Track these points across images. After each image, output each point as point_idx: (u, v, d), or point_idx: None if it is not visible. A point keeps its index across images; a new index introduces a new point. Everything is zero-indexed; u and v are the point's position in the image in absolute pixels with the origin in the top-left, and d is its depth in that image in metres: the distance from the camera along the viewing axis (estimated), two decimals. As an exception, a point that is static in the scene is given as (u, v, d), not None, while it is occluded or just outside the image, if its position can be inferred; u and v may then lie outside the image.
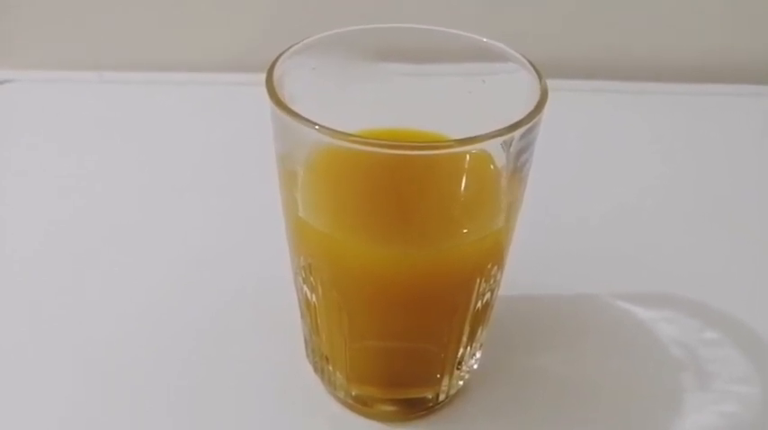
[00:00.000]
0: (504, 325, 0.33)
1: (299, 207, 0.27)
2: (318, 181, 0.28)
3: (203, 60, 0.57)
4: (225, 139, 0.49)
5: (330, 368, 0.30)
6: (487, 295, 0.29)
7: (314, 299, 0.29)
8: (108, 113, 0.52)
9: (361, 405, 0.31)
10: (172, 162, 0.47)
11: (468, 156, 0.26)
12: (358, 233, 0.27)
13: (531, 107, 0.25)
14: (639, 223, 0.43)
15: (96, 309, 0.36)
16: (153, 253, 0.39)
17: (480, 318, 0.30)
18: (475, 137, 0.24)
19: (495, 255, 0.28)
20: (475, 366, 0.32)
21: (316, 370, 0.31)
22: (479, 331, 0.30)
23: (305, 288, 0.29)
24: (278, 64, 0.27)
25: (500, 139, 0.24)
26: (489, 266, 0.28)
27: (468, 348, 0.30)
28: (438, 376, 0.30)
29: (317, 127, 0.24)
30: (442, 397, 0.31)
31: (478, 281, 0.28)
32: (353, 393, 0.31)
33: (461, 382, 0.31)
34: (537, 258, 0.37)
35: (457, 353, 0.30)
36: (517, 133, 0.25)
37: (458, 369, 0.31)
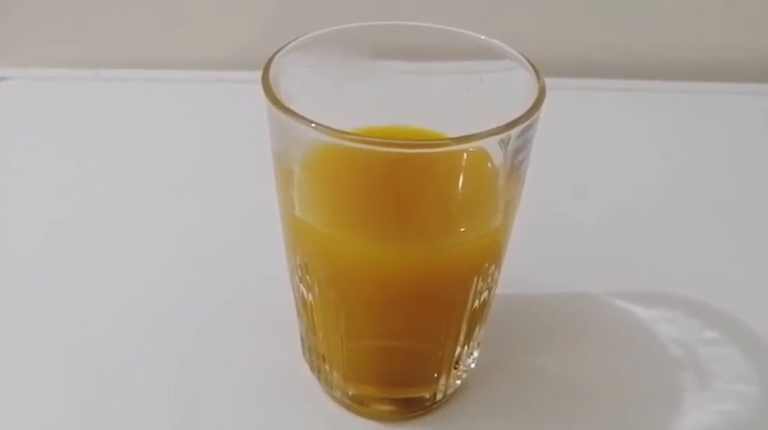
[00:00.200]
0: (501, 324, 0.33)
1: (296, 205, 0.27)
2: (315, 179, 0.28)
3: (202, 58, 0.57)
4: (224, 137, 0.49)
5: (327, 367, 0.30)
6: (485, 294, 0.29)
7: (310, 298, 0.29)
8: (106, 111, 0.52)
9: (358, 404, 0.31)
10: (170, 160, 0.47)
11: (465, 155, 0.26)
12: (355, 232, 0.27)
13: (528, 105, 0.25)
14: (638, 222, 0.43)
15: (95, 309, 0.36)
16: (151, 252, 0.39)
17: (478, 316, 0.30)
18: (472, 135, 0.23)
19: (493, 254, 0.28)
20: (472, 365, 0.32)
21: (312, 369, 0.31)
22: (477, 330, 0.30)
23: (301, 287, 0.29)
24: (274, 62, 0.27)
25: (497, 137, 0.24)
26: (487, 265, 0.28)
27: (466, 347, 0.30)
28: (435, 375, 0.30)
29: (313, 125, 0.24)
30: (439, 396, 0.31)
31: (476, 279, 0.28)
32: (350, 392, 0.30)
33: (459, 382, 0.31)
34: (535, 257, 0.37)
35: (454, 353, 0.30)
36: (515, 131, 0.24)
37: (455, 368, 0.30)
